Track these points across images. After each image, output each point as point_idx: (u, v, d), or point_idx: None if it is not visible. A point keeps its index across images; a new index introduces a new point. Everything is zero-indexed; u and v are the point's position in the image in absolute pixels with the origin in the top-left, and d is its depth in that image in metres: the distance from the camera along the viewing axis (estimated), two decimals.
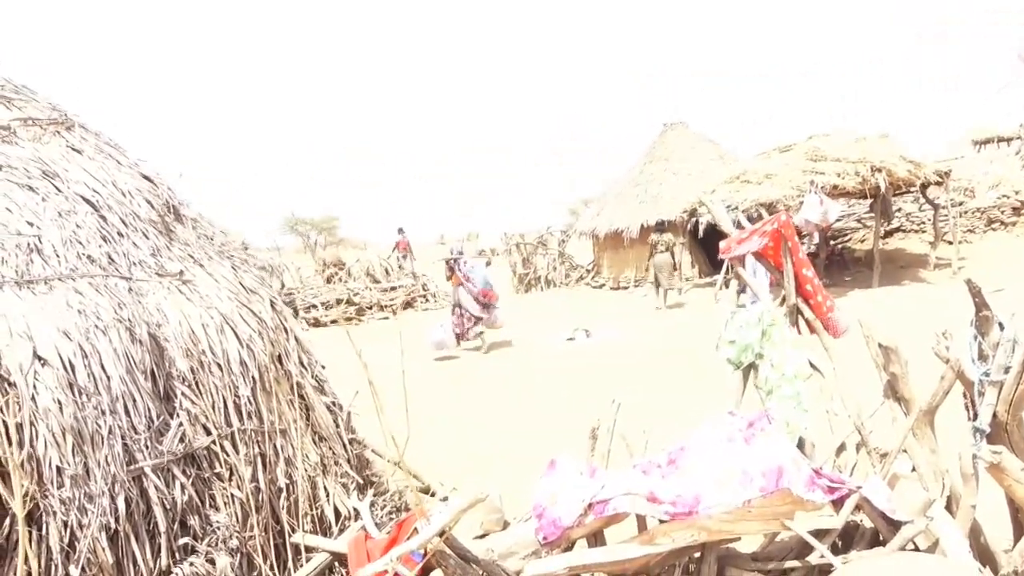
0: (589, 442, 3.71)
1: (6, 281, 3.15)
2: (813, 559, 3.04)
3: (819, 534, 3.05)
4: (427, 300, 18.92)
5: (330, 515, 3.87)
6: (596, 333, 12.80)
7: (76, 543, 2.82)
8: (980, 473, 2.84)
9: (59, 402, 2.91)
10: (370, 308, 18.13)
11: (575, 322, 13.79)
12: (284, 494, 3.66)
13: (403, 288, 19.06)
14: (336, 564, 3.61)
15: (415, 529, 3.07)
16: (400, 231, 22.64)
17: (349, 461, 4.24)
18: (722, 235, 4.35)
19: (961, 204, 17.48)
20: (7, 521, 2.78)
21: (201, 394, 3.50)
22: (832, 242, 17.84)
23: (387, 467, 4.84)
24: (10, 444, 2.76)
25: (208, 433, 3.45)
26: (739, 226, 4.41)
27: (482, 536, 4.37)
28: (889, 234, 17.71)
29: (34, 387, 2.89)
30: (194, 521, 3.24)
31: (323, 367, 4.80)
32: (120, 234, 3.78)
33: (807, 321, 4.00)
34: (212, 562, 3.18)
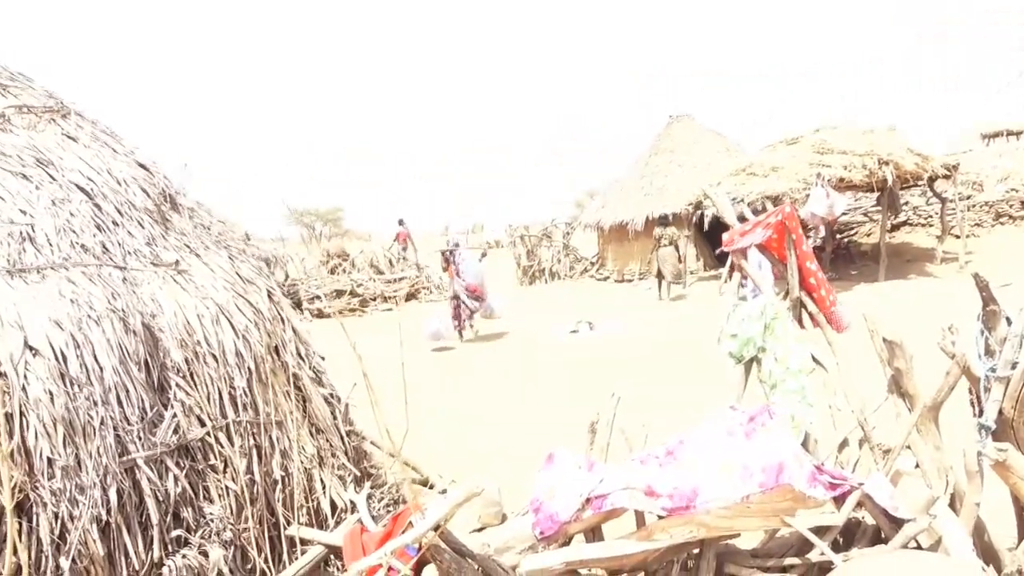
0: (588, 436, 3.66)
1: None
2: (813, 556, 3.00)
3: (820, 531, 3.01)
4: (430, 292, 18.88)
5: (326, 508, 3.84)
6: (600, 326, 12.75)
7: (67, 535, 2.79)
8: (985, 470, 2.80)
9: (50, 392, 2.88)
10: (373, 299, 18.11)
11: (579, 314, 13.74)
12: (279, 486, 3.63)
13: (407, 280, 19.03)
14: (332, 557, 3.58)
15: (410, 523, 3.03)
16: (400, 222, 22.56)
17: (346, 453, 4.21)
18: (727, 228, 4.29)
19: (969, 198, 17.33)
20: None
21: (196, 385, 3.46)
22: (838, 235, 17.72)
23: (385, 459, 4.80)
24: None
25: (203, 424, 3.41)
26: (742, 219, 4.34)
27: (480, 529, 4.34)
28: (896, 228, 17.58)
29: (24, 377, 2.85)
30: (187, 513, 3.21)
31: (322, 358, 4.77)
32: (115, 223, 3.74)
33: (810, 315, 3.94)
34: (205, 554, 3.14)
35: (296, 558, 3.47)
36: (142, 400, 3.20)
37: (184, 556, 3.09)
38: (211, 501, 3.32)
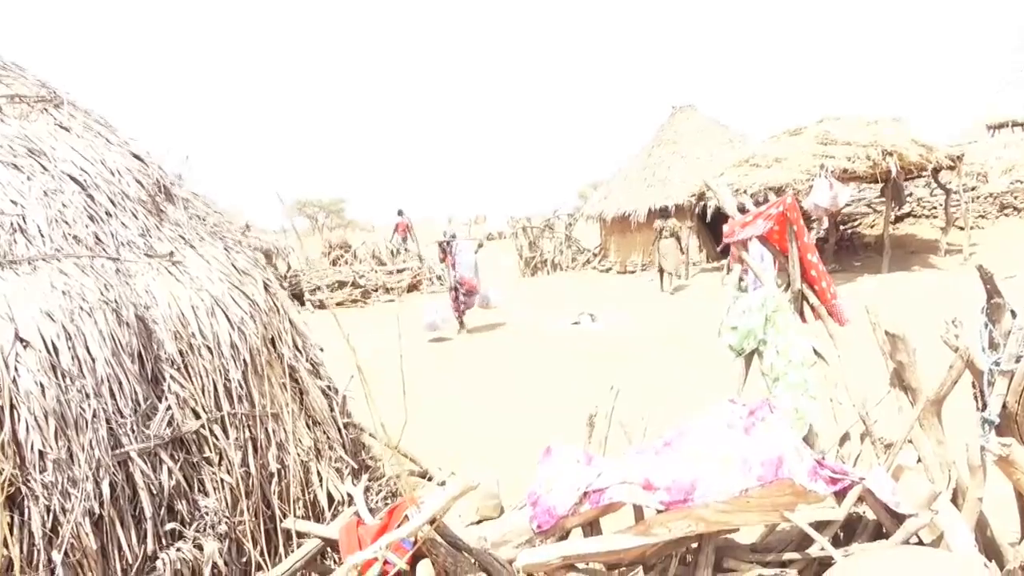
0: (586, 429, 3.63)
1: None
2: (813, 551, 2.97)
3: (820, 526, 2.98)
4: (432, 283, 18.84)
5: (323, 500, 3.81)
6: (601, 317, 12.71)
7: (59, 528, 2.77)
8: (988, 465, 2.76)
9: (41, 385, 2.85)
10: (375, 290, 18.07)
11: (581, 306, 13.70)
12: (275, 479, 3.60)
13: (408, 271, 18.99)
14: (328, 550, 3.56)
15: (406, 516, 3.00)
16: (400, 213, 22.49)
17: (344, 445, 4.18)
18: (743, 212, 4.23)
19: (974, 189, 17.20)
20: None
21: (190, 377, 3.43)
22: (842, 227, 17.63)
23: (384, 451, 4.78)
24: None
25: (197, 417, 3.38)
26: (743, 210, 4.29)
27: (478, 522, 4.32)
28: (900, 219, 17.47)
29: (15, 369, 2.82)
30: (182, 506, 3.19)
31: (321, 349, 4.73)
32: (108, 214, 3.70)
33: (812, 307, 3.90)
34: (200, 548, 3.12)
35: (292, 551, 3.44)
36: (135, 392, 3.17)
37: (178, 549, 3.06)
38: (206, 494, 3.29)
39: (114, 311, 3.23)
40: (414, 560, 2.88)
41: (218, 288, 3.76)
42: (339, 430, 4.20)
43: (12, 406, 2.77)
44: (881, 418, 3.43)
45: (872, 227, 17.66)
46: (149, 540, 3.00)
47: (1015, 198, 16.93)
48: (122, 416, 3.08)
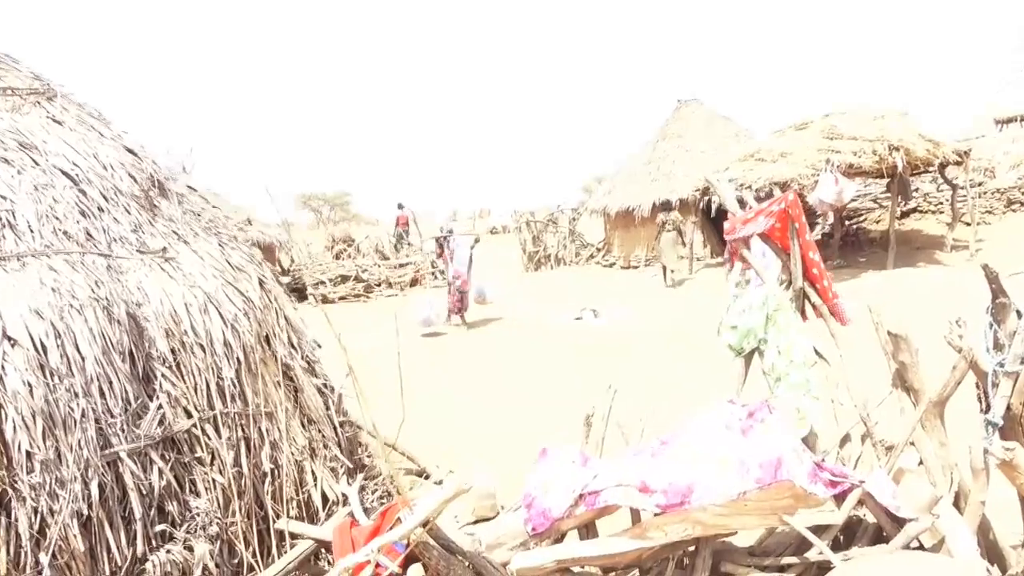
0: (583, 429, 3.58)
1: None
2: (812, 555, 2.92)
3: (819, 529, 2.93)
4: (436, 277, 18.80)
5: (317, 500, 3.77)
6: (604, 313, 12.65)
7: (47, 530, 2.74)
8: (991, 468, 2.70)
9: (29, 384, 2.81)
10: (378, 285, 18.05)
11: (584, 301, 13.64)
12: (269, 479, 3.56)
13: (412, 265, 18.96)
14: (322, 551, 3.52)
15: (399, 519, 2.96)
16: (400, 206, 22.43)
17: (339, 444, 4.14)
18: (744, 208, 4.17)
19: (980, 184, 17.06)
20: None
21: (182, 375, 3.39)
22: (847, 222, 17.50)
23: (381, 450, 4.74)
24: None
25: (189, 416, 3.35)
26: (744, 205, 4.22)
27: (475, 522, 4.28)
28: (905, 214, 17.35)
29: (2, 368, 2.79)
30: (172, 507, 3.15)
31: (319, 346, 4.69)
32: (100, 209, 3.66)
33: (814, 306, 3.83)
34: (190, 549, 3.09)
35: (285, 552, 3.41)
36: (126, 391, 3.13)
37: (168, 551, 3.03)
38: (197, 494, 3.26)
39: (105, 308, 3.20)
40: (406, 563, 2.84)
41: (211, 285, 3.72)
42: (335, 429, 4.16)
43: None
44: (883, 419, 3.37)
45: (878, 222, 17.54)
46: (138, 542, 2.97)
47: (1022, 193, 16.78)
48: (112, 415, 3.04)
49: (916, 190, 17.29)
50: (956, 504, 2.96)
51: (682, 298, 14.02)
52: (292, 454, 3.72)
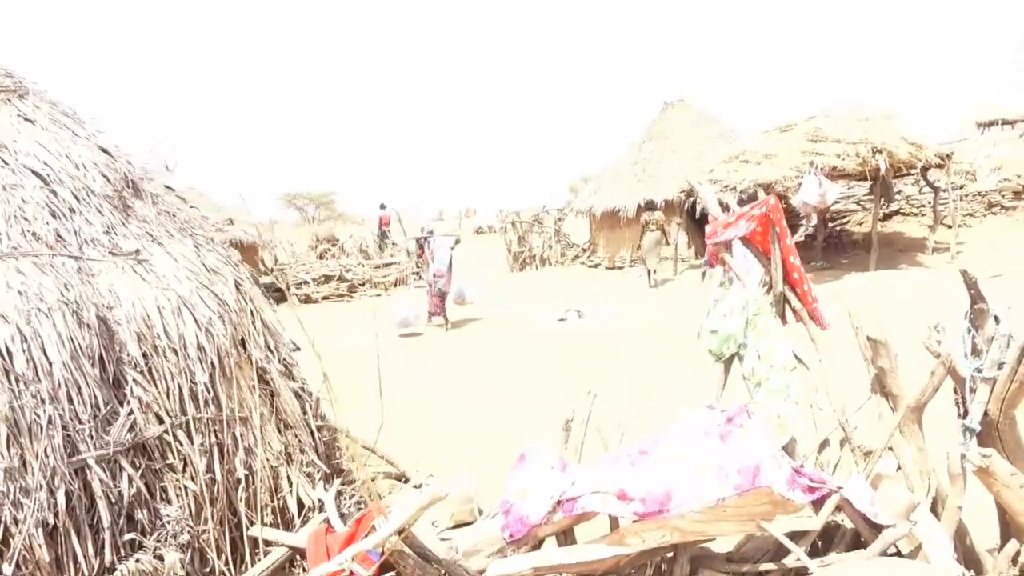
0: (562, 434, 3.54)
1: None
2: (789, 562, 2.91)
3: (797, 535, 2.92)
4: (420, 277, 18.74)
5: (293, 506, 3.72)
6: (589, 313, 12.64)
7: (10, 540, 2.67)
8: (968, 473, 2.70)
9: None
10: (362, 285, 17.96)
11: (568, 301, 13.64)
12: (243, 485, 3.50)
13: (396, 265, 18.88)
14: (297, 558, 3.47)
15: (374, 526, 2.92)
16: (382, 206, 22.35)
17: (316, 449, 4.08)
18: (726, 211, 4.15)
19: (962, 187, 17.22)
20: None
21: (154, 380, 3.33)
22: (830, 224, 17.61)
23: (356, 456, 4.69)
24: None
25: (161, 421, 3.28)
26: (726, 208, 4.21)
27: (454, 527, 4.24)
28: (888, 217, 17.48)
29: None
30: (142, 515, 3.09)
31: (297, 348, 4.63)
32: (71, 210, 3.58)
33: (794, 310, 3.82)
34: (160, 558, 3.02)
35: (259, 560, 3.36)
36: (95, 397, 3.07)
37: (138, 560, 2.97)
38: (168, 502, 3.19)
39: (74, 312, 3.13)
40: (381, 571, 2.80)
41: (186, 287, 3.65)
42: (312, 433, 4.10)
43: None
44: (861, 424, 3.36)
45: (861, 224, 17.66)
46: (107, 551, 2.91)
47: (1003, 197, 16.96)
48: (80, 422, 2.97)
49: (899, 192, 17.43)
50: (933, 509, 2.96)
51: (666, 298, 14.05)
52: (267, 459, 3.66)
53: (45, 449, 2.80)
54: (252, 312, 4.04)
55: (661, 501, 2.79)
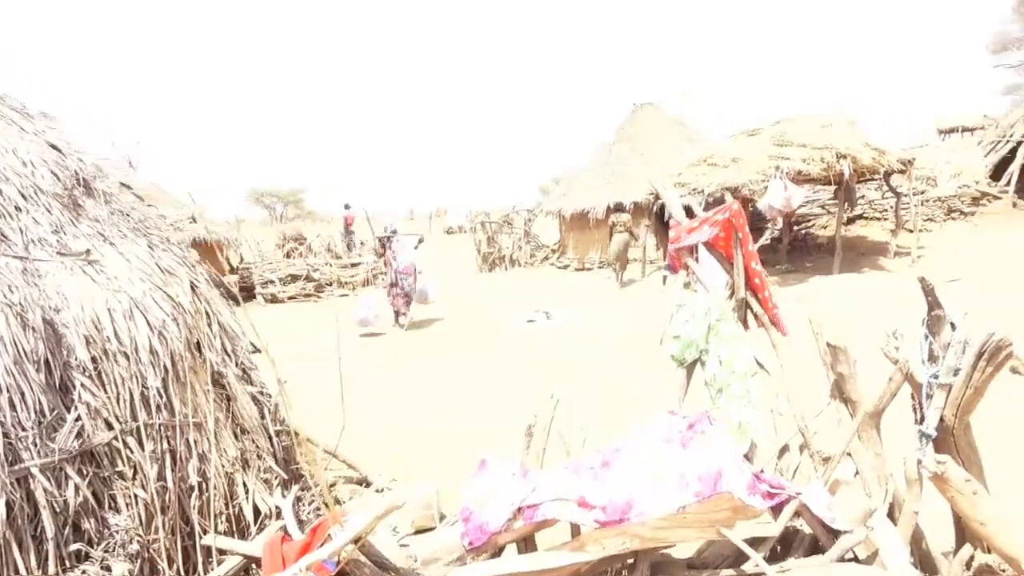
0: (524, 439, 3.51)
1: None
2: (749, 568, 2.90)
3: (756, 541, 2.92)
4: (384, 276, 18.60)
5: (248, 514, 3.62)
6: (557, 315, 12.64)
7: None
8: (925, 479, 2.72)
9: None
10: (330, 284, 17.76)
11: (537, 302, 13.63)
12: (196, 492, 3.41)
13: (363, 264, 18.70)
14: (253, 567, 3.38)
15: (329, 535, 2.85)
16: (347, 206, 22.16)
17: (275, 454, 3.99)
18: (690, 216, 4.16)
19: (923, 193, 17.60)
20: None
21: (103, 385, 3.22)
22: (795, 227, 17.88)
23: (312, 462, 4.60)
24: None
25: (110, 428, 3.18)
26: (691, 214, 4.22)
27: (415, 532, 4.18)
28: (852, 221, 17.80)
29: None
30: (89, 524, 2.98)
31: (258, 350, 4.52)
32: (17, 208, 3.45)
33: (755, 315, 3.84)
34: (108, 569, 2.92)
35: (212, 569, 3.27)
36: (40, 403, 2.95)
37: (84, 572, 2.86)
38: (117, 511, 3.09)
39: (18, 314, 3.01)
40: None
41: (138, 289, 3.54)
42: (270, 438, 4.01)
43: None
44: (821, 429, 3.39)
45: (825, 228, 17.95)
46: (51, 562, 2.80)
47: (961, 202, 17.38)
48: (23, 429, 2.86)
49: (862, 197, 17.77)
50: (891, 514, 2.98)
51: (634, 300, 14.12)
52: (222, 466, 3.57)
53: None
54: (208, 314, 3.94)
55: (622, 510, 2.78)
